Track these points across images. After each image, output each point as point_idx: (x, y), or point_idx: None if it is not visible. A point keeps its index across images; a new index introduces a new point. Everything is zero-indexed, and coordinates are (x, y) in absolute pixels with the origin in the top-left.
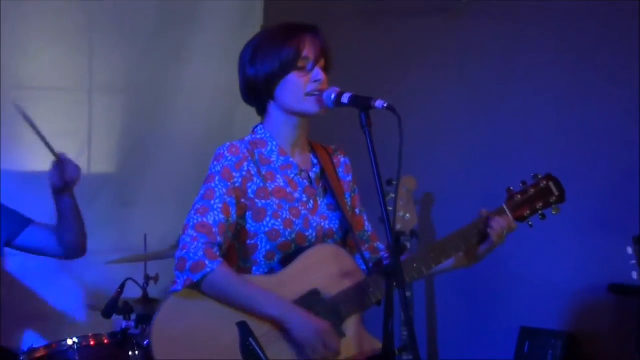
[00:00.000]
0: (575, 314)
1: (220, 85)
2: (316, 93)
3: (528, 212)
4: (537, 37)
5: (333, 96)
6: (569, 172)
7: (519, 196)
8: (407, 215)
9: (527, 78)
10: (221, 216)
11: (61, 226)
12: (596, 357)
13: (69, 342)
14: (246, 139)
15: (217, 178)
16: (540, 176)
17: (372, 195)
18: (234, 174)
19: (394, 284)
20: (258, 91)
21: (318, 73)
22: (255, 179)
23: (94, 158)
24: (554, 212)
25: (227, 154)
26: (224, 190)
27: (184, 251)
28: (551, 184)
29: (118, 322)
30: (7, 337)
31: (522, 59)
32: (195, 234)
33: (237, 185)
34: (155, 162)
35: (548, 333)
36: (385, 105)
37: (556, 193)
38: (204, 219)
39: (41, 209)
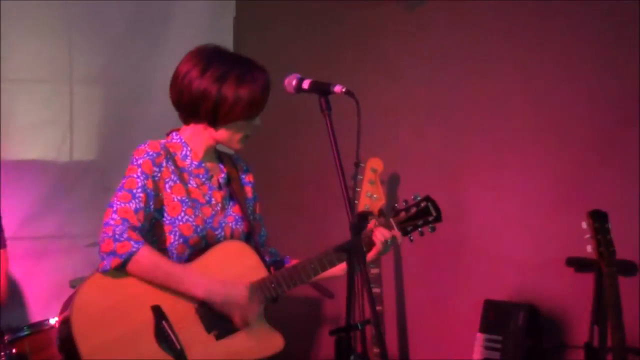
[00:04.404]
0: (536, 286)
1: None
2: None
3: (410, 227)
4: (494, 17)
5: (294, 82)
6: (528, 151)
7: (403, 213)
8: (375, 195)
9: (489, 60)
10: (141, 204)
11: None
12: (555, 327)
13: (52, 321)
14: (162, 141)
15: (139, 170)
16: (419, 198)
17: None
18: (154, 168)
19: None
20: (206, 112)
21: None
22: (172, 176)
23: (75, 146)
24: (430, 231)
25: (148, 150)
26: (145, 182)
27: (110, 233)
28: (430, 204)
29: None
30: None
31: (480, 42)
32: (118, 218)
33: (156, 178)
34: (134, 149)
35: (510, 305)
36: (344, 90)
37: (434, 213)
38: (127, 205)
39: (35, 197)
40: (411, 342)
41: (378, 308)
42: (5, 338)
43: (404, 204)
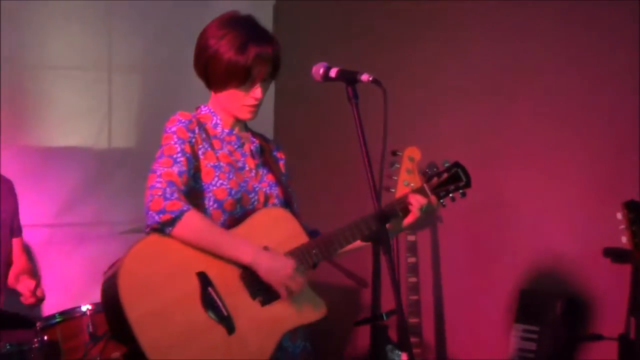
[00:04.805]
0: (573, 277)
1: None
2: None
3: (443, 193)
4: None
5: (321, 71)
6: (566, 142)
7: (436, 178)
8: (412, 184)
9: (528, 49)
10: (184, 168)
11: None
12: (592, 318)
13: (83, 308)
14: (192, 113)
15: (174, 136)
16: (449, 164)
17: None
18: (189, 134)
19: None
20: (202, 69)
21: (260, 92)
22: (204, 143)
23: (114, 134)
24: (461, 196)
25: (180, 118)
26: (183, 146)
27: (159, 193)
28: (459, 170)
29: None
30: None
31: (522, 33)
32: (164, 181)
33: (192, 143)
34: None
35: (547, 296)
36: (371, 78)
37: (464, 179)
38: (171, 169)
39: (73, 184)
40: (448, 331)
41: (415, 297)
42: (37, 325)
43: (434, 169)
